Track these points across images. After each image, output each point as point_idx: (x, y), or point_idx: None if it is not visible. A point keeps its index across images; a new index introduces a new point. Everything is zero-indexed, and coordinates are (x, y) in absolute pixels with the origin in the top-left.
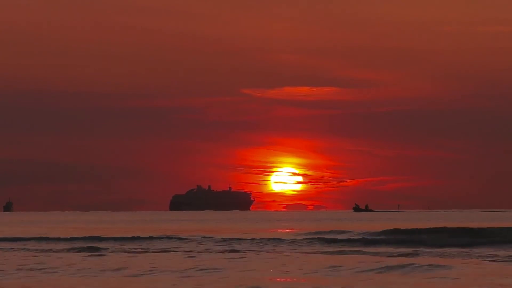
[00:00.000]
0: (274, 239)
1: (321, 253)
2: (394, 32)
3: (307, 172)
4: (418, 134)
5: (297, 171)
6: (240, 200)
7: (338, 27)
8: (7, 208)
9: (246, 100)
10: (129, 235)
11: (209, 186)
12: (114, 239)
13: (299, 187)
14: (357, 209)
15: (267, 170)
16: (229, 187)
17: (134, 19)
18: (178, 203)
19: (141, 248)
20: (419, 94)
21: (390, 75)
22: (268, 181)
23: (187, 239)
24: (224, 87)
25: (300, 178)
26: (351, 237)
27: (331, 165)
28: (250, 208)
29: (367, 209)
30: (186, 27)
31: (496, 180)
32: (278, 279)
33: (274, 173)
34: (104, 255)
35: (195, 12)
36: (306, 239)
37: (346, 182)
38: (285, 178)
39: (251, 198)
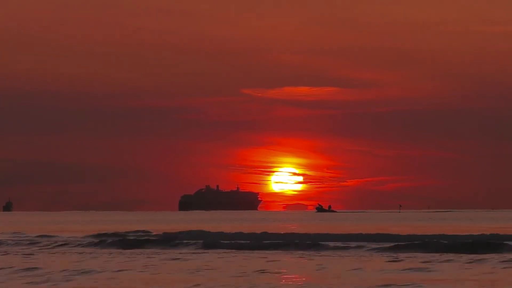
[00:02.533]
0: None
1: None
2: (394, 32)
3: (307, 172)
4: (418, 134)
5: (297, 171)
6: (248, 200)
7: (338, 27)
8: (7, 208)
9: (246, 100)
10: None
11: (218, 186)
12: None
13: (300, 187)
14: (320, 209)
15: (267, 170)
16: (237, 187)
17: (134, 19)
18: (187, 203)
19: None
20: (419, 94)
21: (390, 75)
22: (269, 181)
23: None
24: (224, 87)
25: (301, 178)
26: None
27: (331, 165)
28: (258, 208)
29: (329, 210)
30: (186, 27)
31: (496, 180)
32: None
33: (275, 173)
34: None
35: (195, 12)
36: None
37: (346, 182)
38: (285, 178)
39: (259, 198)
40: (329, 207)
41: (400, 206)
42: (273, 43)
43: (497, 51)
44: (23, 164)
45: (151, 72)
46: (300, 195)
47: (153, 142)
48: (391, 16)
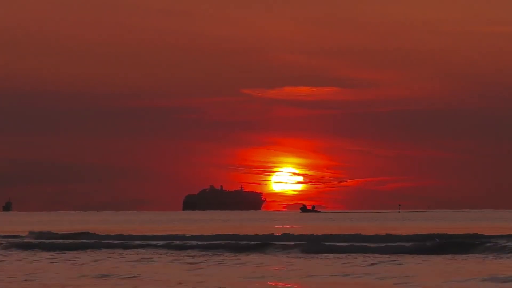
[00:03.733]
0: None
1: None
2: (394, 33)
3: (307, 172)
4: (418, 134)
5: (297, 171)
6: (252, 200)
7: (338, 27)
8: (7, 208)
9: (246, 100)
10: None
11: (221, 186)
12: None
13: (300, 187)
14: (304, 209)
15: (267, 170)
16: (241, 187)
17: (134, 20)
18: (192, 203)
19: None
20: (419, 94)
21: (390, 75)
22: (269, 181)
23: None
24: (224, 87)
25: (301, 178)
26: None
27: (331, 165)
28: (261, 208)
29: (313, 210)
30: (187, 27)
31: (496, 180)
32: None
33: (275, 173)
34: None
35: (195, 12)
36: None
37: (347, 182)
38: (285, 178)
39: (262, 198)
40: (313, 207)
41: (400, 206)
42: (273, 43)
43: (498, 51)
44: (23, 164)
45: (151, 72)
46: (301, 195)
47: (153, 142)
48: (391, 16)
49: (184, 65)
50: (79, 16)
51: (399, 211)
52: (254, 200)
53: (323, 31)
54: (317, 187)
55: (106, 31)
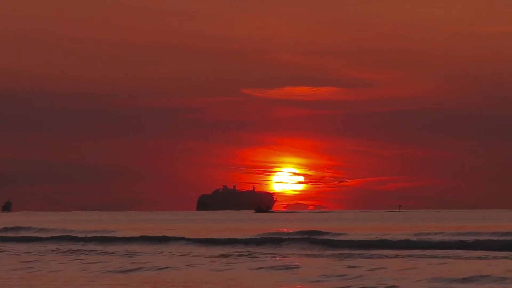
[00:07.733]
0: None
1: None
2: (394, 32)
3: (308, 172)
4: (418, 134)
5: (297, 171)
6: (264, 200)
7: (338, 27)
8: (6, 208)
9: (246, 100)
10: None
11: (234, 186)
12: None
13: (300, 187)
14: (258, 210)
15: (267, 170)
16: (253, 187)
17: (134, 19)
18: (206, 203)
19: None
20: (419, 94)
21: (390, 75)
22: (269, 181)
23: None
24: (224, 87)
25: (301, 178)
26: None
27: (331, 165)
28: (273, 208)
29: (268, 210)
30: (186, 27)
31: (496, 180)
32: None
33: (275, 174)
34: None
35: (195, 12)
36: None
37: (347, 182)
38: (286, 178)
39: (274, 199)
40: (267, 207)
41: (400, 206)
42: (273, 43)
43: (498, 52)
44: (23, 164)
45: (151, 72)
46: (301, 195)
47: (152, 142)
48: (391, 16)
49: (184, 65)
50: (79, 16)
51: (399, 211)
52: (267, 201)
53: (323, 31)
54: (317, 187)
55: (106, 31)
